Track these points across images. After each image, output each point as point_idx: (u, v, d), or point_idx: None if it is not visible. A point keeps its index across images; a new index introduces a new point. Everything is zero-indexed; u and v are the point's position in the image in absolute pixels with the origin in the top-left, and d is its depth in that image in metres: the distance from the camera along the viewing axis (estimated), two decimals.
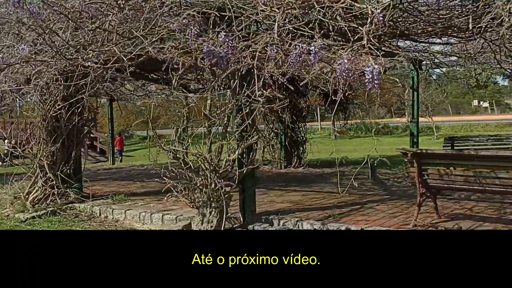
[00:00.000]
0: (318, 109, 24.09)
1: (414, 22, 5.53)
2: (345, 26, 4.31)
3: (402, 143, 18.86)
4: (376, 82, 2.66)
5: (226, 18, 4.86)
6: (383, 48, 8.29)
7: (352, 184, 4.63)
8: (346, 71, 2.73)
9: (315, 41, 2.93)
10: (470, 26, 3.86)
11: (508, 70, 8.64)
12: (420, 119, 22.78)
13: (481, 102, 44.53)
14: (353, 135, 25.44)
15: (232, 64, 3.51)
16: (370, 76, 2.66)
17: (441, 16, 5.17)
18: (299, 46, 2.96)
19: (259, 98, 3.88)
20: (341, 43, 4.01)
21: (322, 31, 4.50)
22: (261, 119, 12.44)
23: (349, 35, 5.02)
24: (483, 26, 3.82)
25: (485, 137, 9.26)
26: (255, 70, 3.55)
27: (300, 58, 2.97)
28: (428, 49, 8.07)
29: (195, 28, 3.33)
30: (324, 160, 14.90)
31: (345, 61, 2.75)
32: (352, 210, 6.27)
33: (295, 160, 11.97)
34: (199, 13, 4.76)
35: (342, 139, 23.85)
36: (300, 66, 3.12)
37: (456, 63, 9.33)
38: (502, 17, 3.45)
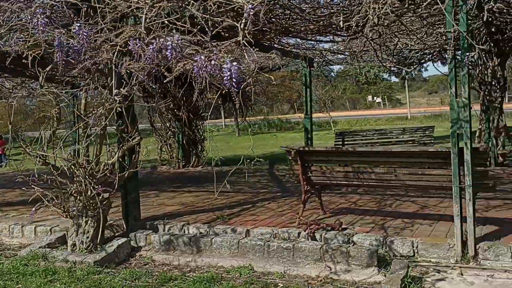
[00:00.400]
0: (222, 106, 24.00)
1: (296, 20, 5.54)
2: (219, 21, 4.16)
3: (302, 139, 19.45)
4: (234, 80, 2.51)
5: (100, 10, 4.47)
6: (275, 46, 8.38)
7: (231, 185, 4.45)
8: (204, 68, 2.54)
9: (173, 36, 2.70)
10: (341, 24, 3.89)
11: (389, 67, 9.13)
12: (319, 114, 23.77)
13: (375, 98, 47.70)
14: (257, 131, 25.75)
15: (88, 59, 3.16)
16: (228, 73, 2.49)
17: (320, 15, 5.22)
18: (156, 41, 2.71)
19: (115, 97, 3.57)
20: (215, 39, 3.84)
21: (199, 26, 4.30)
22: (157, 117, 12.04)
23: (225, 31, 4.87)
24: (353, 25, 3.87)
25: (372, 131, 9.74)
26: (113, 65, 3.24)
27: (159, 54, 2.73)
28: (316, 46, 8.26)
29: (42, 17, 2.92)
30: (225, 158, 14.82)
31: (202, 57, 2.56)
32: (243, 210, 6.17)
33: (193, 159, 11.70)
34: (65, 4, 4.32)
35: (246, 135, 24.00)
36: (159, 62, 2.88)
37: (344, 61, 9.68)
38: (367, 16, 3.50)
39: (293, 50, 8.73)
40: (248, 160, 4.38)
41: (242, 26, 3.69)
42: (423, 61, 8.97)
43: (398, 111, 34.35)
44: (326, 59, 9.55)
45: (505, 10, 6.85)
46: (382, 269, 3.97)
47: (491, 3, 3.01)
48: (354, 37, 6.78)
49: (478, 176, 4.24)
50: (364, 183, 4.94)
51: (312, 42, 8.06)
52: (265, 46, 7.91)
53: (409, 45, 8.39)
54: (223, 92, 3.40)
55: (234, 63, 2.50)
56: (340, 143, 9.73)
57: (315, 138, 20.07)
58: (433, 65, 8.79)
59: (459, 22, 3.87)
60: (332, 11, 4.99)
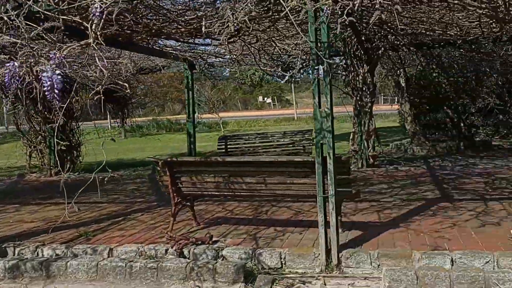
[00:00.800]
0: (107, 107, 22.65)
1: (164, 22, 5.22)
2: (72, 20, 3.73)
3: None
4: (57, 91, 2.15)
5: None
6: (154, 47, 7.97)
7: (105, 194, 4.03)
8: (17, 77, 2.15)
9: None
10: (203, 29, 3.68)
11: (271, 72, 9.21)
12: (208, 115, 23.62)
13: (265, 98, 48.91)
14: (145, 132, 24.80)
15: None
16: (49, 83, 2.13)
17: (192, 17, 4.98)
18: None
19: None
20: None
21: (51, 24, 3.81)
22: (24, 120, 10.89)
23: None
24: (216, 31, 3.68)
25: (254, 135, 9.76)
26: None
27: None
28: (195, 49, 8.01)
29: None
30: (106, 162, 13.94)
31: (15, 64, 2.17)
32: (113, 224, 5.70)
33: (68, 165, 10.76)
34: None
35: (133, 137, 23.01)
36: None
37: (226, 64, 9.57)
38: (228, 21, 3.33)
39: (172, 52, 8.38)
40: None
41: (93, 27, 3.33)
42: (301, 66, 9.19)
43: (287, 112, 35.49)
44: (208, 61, 9.35)
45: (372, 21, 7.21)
46: (249, 285, 3.85)
47: (344, 16, 3.00)
48: (231, 41, 6.67)
49: (342, 184, 4.33)
50: (236, 193, 4.81)
51: (191, 45, 7.77)
52: (142, 47, 7.49)
53: (288, 51, 8.51)
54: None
55: (57, 72, 2.14)
56: (223, 147, 9.60)
57: (205, 139, 19.92)
58: (310, 70, 9.01)
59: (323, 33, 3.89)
60: (199, 14, 4.78)
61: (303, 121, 26.03)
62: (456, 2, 4.27)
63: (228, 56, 8.63)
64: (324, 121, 4.00)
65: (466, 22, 6.52)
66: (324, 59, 3.44)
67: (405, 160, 10.27)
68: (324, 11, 3.19)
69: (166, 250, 4.44)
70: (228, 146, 9.65)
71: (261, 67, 8.17)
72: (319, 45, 3.91)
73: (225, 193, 4.83)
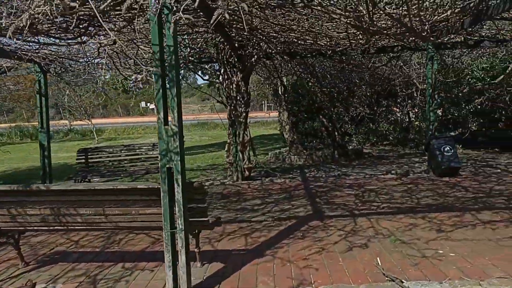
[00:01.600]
0: None
1: None
2: None
3: (57, 150, 17.20)
4: None
5: None
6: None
7: None
8: None
9: None
10: (4, 24, 2.79)
11: (127, 76, 8.31)
12: (79, 122, 21.68)
13: (148, 104, 47.04)
14: (6, 141, 21.92)
15: None
16: None
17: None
18: None
19: None
20: None
21: None
22: None
23: None
24: (20, 26, 2.81)
25: (120, 147, 8.74)
26: None
27: None
28: (40, 49, 6.84)
29: None
30: None
31: None
32: None
33: None
34: None
35: None
36: None
37: (84, 67, 8.45)
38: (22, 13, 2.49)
39: (15, 51, 7.09)
40: None
41: None
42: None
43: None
44: (63, 64, 8.17)
45: (242, 26, 6.74)
46: None
47: (180, 13, 2.37)
48: (81, 41, 5.75)
49: (197, 214, 3.69)
50: (69, 227, 3.90)
51: (35, 44, 6.60)
52: None
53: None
54: None
55: None
56: (83, 161, 8.45)
57: (74, 149, 18.06)
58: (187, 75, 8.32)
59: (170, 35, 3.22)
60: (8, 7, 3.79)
61: (185, 129, 25.20)
62: (319, 8, 3.89)
63: (84, 59, 7.57)
64: (171, 141, 3.33)
65: (334, 32, 6.36)
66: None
67: (282, 170, 10.05)
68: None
69: None
70: (89, 160, 8.53)
71: (121, 71, 7.26)
72: (164, 49, 3.25)
73: (56, 227, 3.89)
